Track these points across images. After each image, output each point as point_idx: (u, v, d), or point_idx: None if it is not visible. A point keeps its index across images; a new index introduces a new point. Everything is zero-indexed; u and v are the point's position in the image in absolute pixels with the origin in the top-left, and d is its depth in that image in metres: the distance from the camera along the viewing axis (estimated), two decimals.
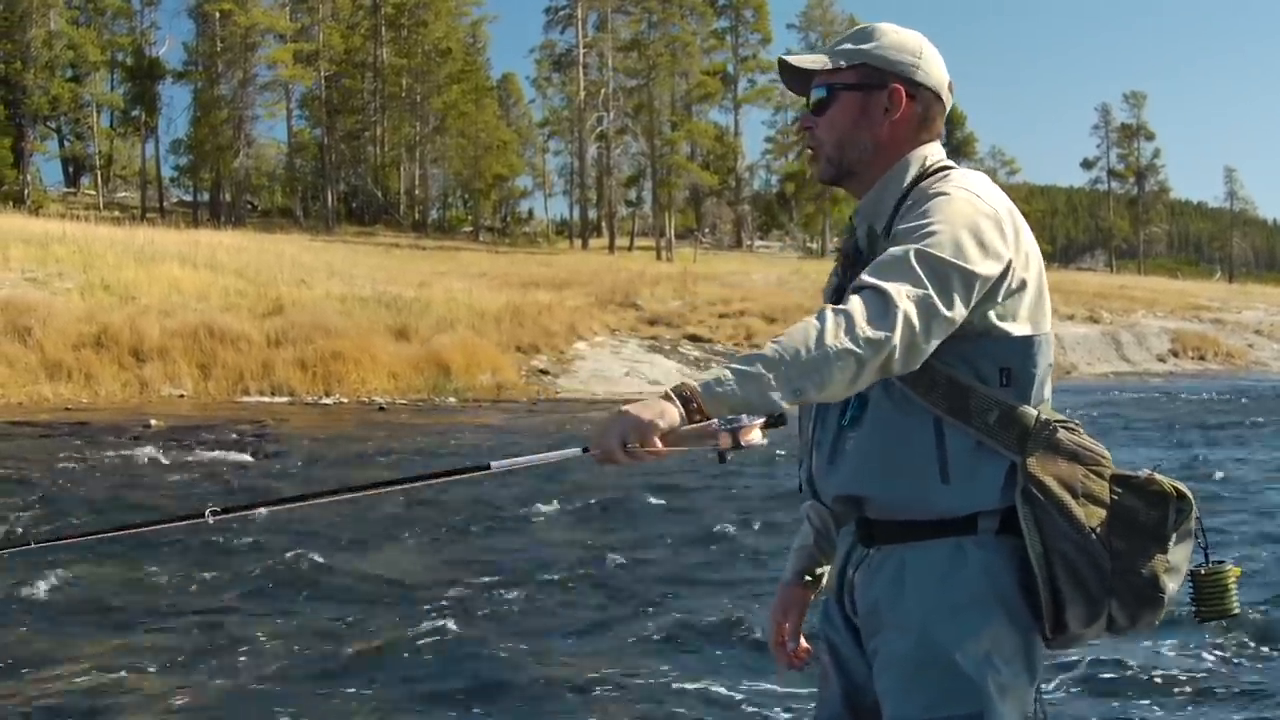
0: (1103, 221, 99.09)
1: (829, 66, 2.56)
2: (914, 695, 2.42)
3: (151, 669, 6.54)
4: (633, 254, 65.51)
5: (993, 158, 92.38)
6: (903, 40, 2.57)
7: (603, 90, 70.58)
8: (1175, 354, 43.21)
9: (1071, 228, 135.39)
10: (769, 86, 79.59)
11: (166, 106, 68.36)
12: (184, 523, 2.43)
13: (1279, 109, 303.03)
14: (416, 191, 74.29)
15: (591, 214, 75.58)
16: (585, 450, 2.21)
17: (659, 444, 2.13)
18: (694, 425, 2.15)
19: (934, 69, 2.58)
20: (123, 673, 6.42)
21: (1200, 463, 15.79)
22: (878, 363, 2.19)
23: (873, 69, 2.54)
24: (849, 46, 2.58)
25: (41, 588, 8.08)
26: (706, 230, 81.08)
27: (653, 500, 12.41)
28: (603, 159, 72.69)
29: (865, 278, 2.25)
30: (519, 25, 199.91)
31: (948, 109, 2.65)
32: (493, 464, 2.33)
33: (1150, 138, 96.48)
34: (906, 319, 2.20)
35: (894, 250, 2.29)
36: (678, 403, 2.14)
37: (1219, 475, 14.36)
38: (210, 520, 2.37)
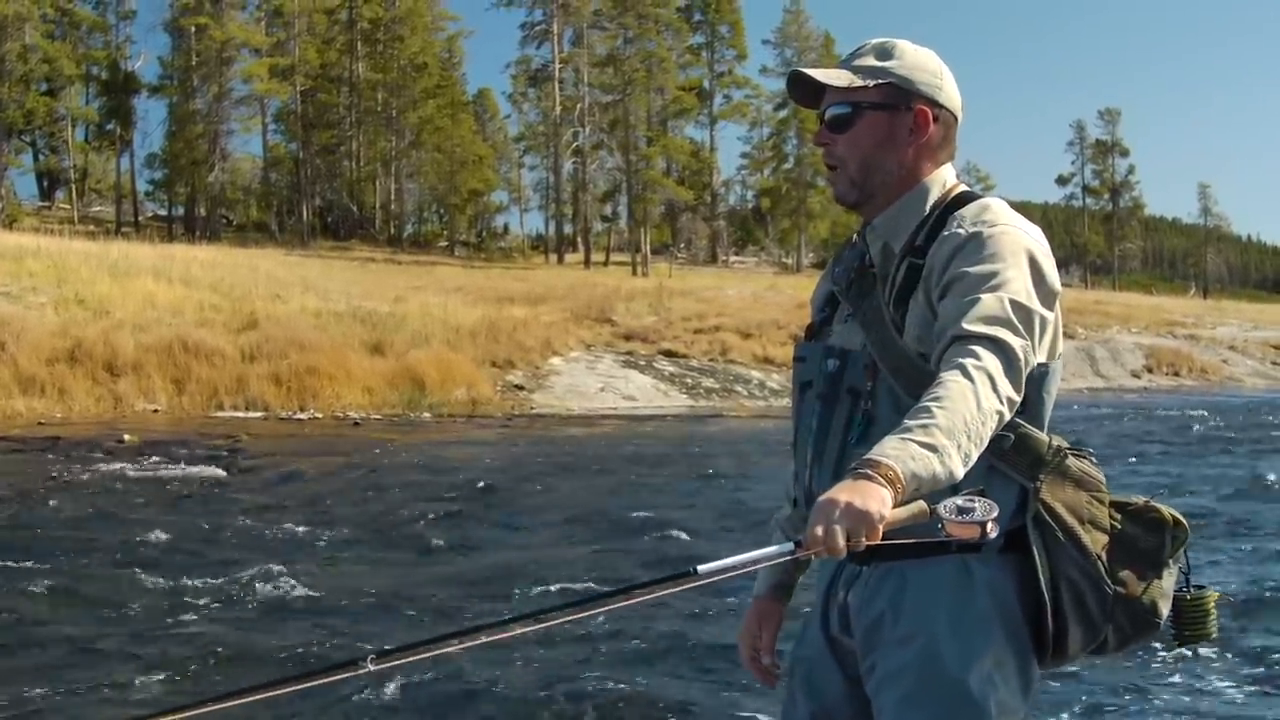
0: (1077, 237, 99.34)
1: (856, 84, 2.52)
2: (915, 712, 2.38)
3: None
4: (608, 269, 65.41)
5: (968, 173, 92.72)
6: (923, 59, 2.56)
7: (578, 105, 70.57)
8: (1150, 370, 43.32)
9: None
10: (744, 102, 80.00)
11: (141, 120, 68.36)
12: (341, 675, 2.16)
13: (1253, 125, 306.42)
14: (392, 206, 74.15)
15: (567, 229, 75.44)
16: (798, 545, 2.09)
17: (879, 532, 2.06)
18: (906, 510, 2.09)
19: (953, 89, 2.58)
20: None
21: (1176, 479, 15.83)
22: (1009, 417, 2.22)
23: (898, 89, 2.52)
24: (872, 63, 2.54)
25: None
26: (682, 245, 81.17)
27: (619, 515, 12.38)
28: (578, 174, 72.61)
29: (975, 328, 2.24)
30: (495, 41, 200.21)
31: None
32: (699, 568, 2.12)
33: (1125, 154, 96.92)
34: (1021, 371, 2.24)
35: (987, 298, 2.28)
36: (888, 486, 2.06)
37: (1191, 491, 14.41)
38: (371, 668, 2.10)
